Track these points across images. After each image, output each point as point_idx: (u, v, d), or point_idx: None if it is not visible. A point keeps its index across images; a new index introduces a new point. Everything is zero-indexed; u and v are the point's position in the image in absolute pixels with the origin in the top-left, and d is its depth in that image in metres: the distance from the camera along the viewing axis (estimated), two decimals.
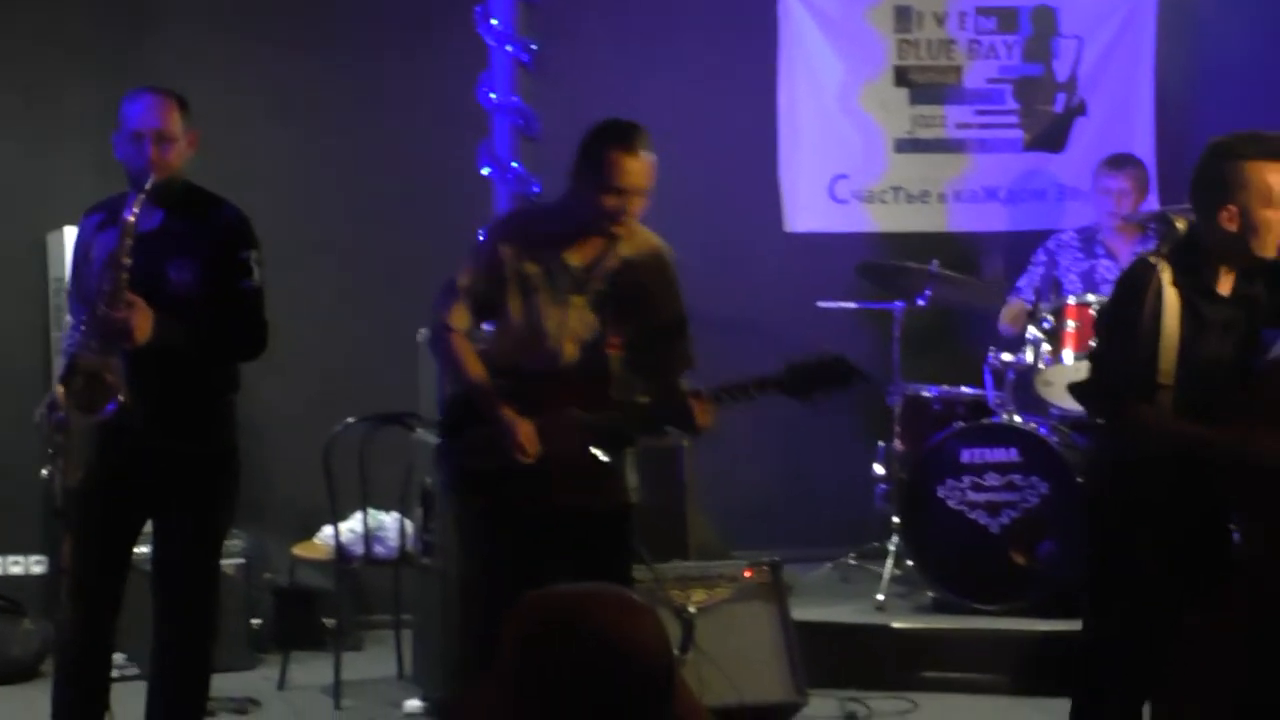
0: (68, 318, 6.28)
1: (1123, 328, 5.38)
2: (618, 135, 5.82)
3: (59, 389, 5.76)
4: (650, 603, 2.92)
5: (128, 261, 5.72)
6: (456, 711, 2.98)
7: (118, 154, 6.04)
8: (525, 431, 5.73)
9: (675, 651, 2.89)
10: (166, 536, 6.12)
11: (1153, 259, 5.35)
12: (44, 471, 5.94)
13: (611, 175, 5.74)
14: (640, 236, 5.98)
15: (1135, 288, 5.35)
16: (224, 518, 6.25)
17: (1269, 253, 5.24)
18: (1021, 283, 8.92)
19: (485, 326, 6.07)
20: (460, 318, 5.94)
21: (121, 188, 6.00)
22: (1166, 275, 5.26)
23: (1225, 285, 5.35)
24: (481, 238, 5.98)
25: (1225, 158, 5.26)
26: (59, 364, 6.18)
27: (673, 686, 2.86)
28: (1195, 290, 5.28)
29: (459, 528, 6.36)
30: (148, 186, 5.82)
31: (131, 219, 5.75)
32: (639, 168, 5.77)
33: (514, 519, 5.86)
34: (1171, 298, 5.23)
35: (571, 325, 5.87)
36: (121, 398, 5.69)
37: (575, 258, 5.88)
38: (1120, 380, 5.34)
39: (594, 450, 5.78)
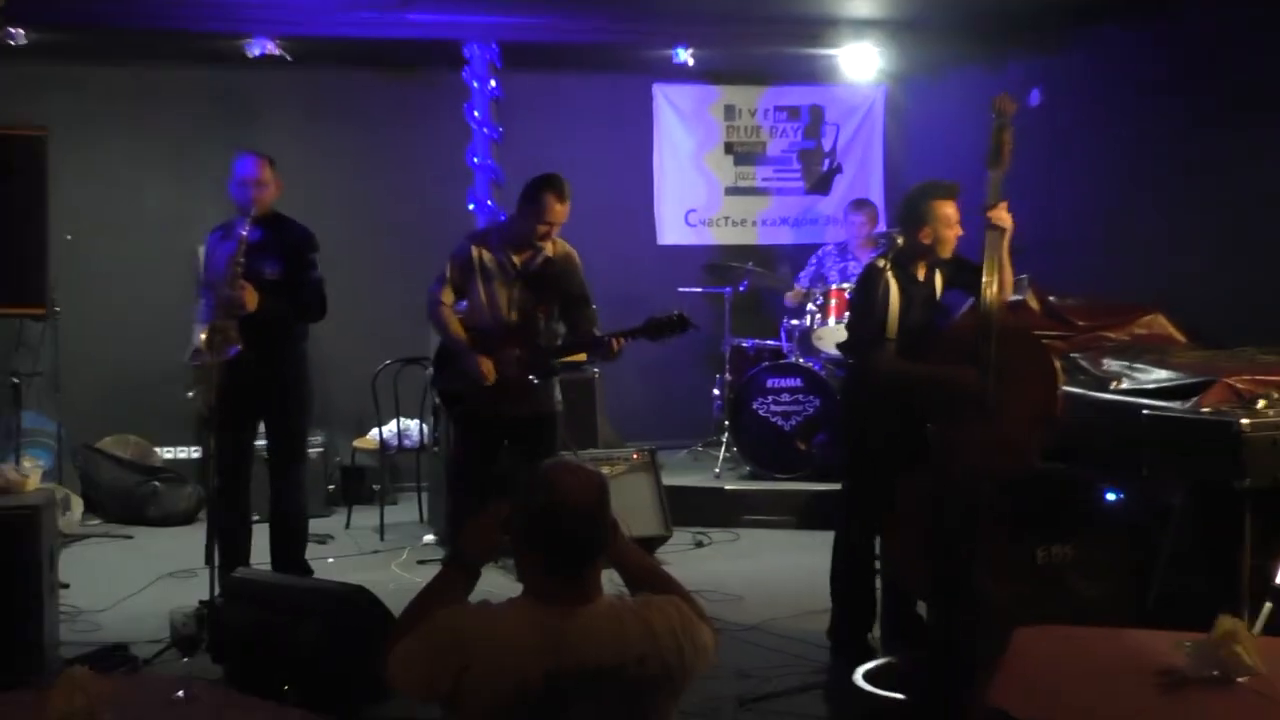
0: (200, 300, 6.26)
1: (863, 307, 5.43)
2: (554, 186, 5.76)
3: (201, 340, 5.79)
4: (600, 472, 2.93)
5: (242, 261, 5.80)
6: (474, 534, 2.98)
7: (231, 194, 6.06)
8: (485, 364, 5.74)
9: (608, 502, 2.88)
10: (272, 429, 6.18)
11: (880, 263, 5.40)
12: (189, 394, 6.09)
13: (544, 213, 5.73)
14: (559, 244, 5.90)
15: (869, 281, 5.40)
16: (305, 416, 6.29)
17: (947, 254, 5.36)
18: (801, 276, 8.89)
19: (460, 305, 6.01)
20: (447, 295, 5.88)
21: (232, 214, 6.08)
22: (889, 272, 5.32)
23: (922, 273, 5.42)
24: (460, 246, 5.96)
25: (921, 197, 5.36)
26: (195, 328, 6.08)
27: (605, 523, 2.86)
28: (906, 279, 5.35)
29: (448, 428, 6.28)
30: (252, 215, 5.89)
31: (245, 234, 5.83)
32: (562, 210, 5.75)
33: (478, 423, 5.87)
34: (892, 285, 5.31)
35: (514, 299, 5.83)
36: (240, 346, 5.74)
37: (516, 258, 5.84)
38: (864, 339, 5.39)
39: (530, 376, 5.80)
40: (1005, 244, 5.22)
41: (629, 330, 5.76)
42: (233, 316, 5.76)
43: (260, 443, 6.25)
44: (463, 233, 6.27)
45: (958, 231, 5.36)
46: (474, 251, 5.88)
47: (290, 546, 6.25)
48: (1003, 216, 5.19)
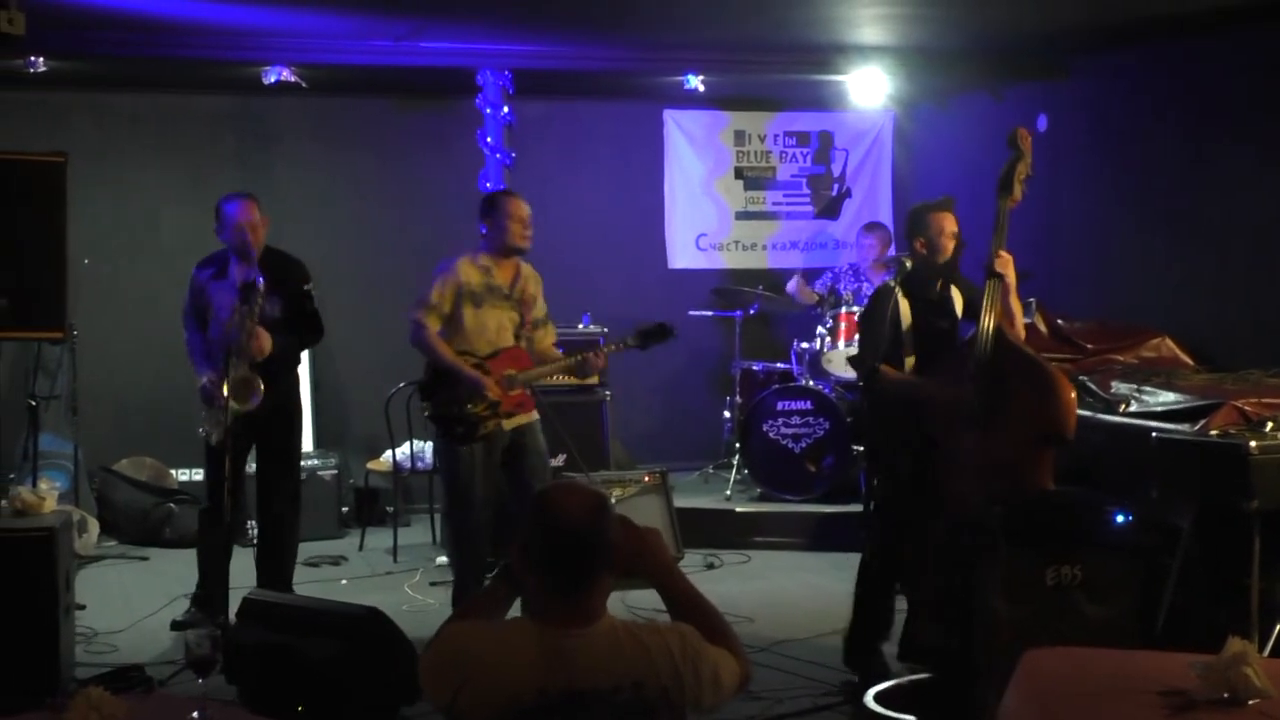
0: (186, 333, 6.27)
1: (871, 326, 5.46)
2: (505, 191, 6.07)
3: (225, 387, 5.83)
4: (600, 491, 2.87)
5: (261, 305, 5.88)
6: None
7: (221, 238, 6.08)
8: (491, 383, 5.80)
9: (607, 521, 2.77)
10: (271, 451, 6.27)
11: (890, 283, 5.44)
12: (200, 430, 6.09)
13: (512, 211, 5.85)
14: (527, 267, 6.02)
15: (876, 301, 5.47)
16: (299, 437, 6.42)
17: (945, 258, 5.38)
18: (816, 282, 8.86)
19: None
20: (432, 320, 5.85)
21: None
22: (898, 291, 5.35)
23: (935, 292, 5.40)
24: (442, 267, 5.92)
25: (915, 212, 5.48)
26: (200, 371, 6.11)
27: (603, 543, 2.76)
28: (918, 297, 5.37)
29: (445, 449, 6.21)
30: (254, 258, 5.95)
31: (259, 282, 5.85)
32: (524, 205, 5.91)
33: (481, 441, 5.84)
34: (903, 304, 5.33)
35: (503, 319, 5.92)
36: (260, 395, 5.87)
37: (500, 277, 5.91)
38: (872, 356, 5.38)
39: (526, 389, 5.93)
40: (1012, 292, 5.19)
41: (621, 339, 6.07)
42: (248, 361, 5.87)
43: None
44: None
45: (953, 238, 5.39)
46: (461, 274, 5.90)
47: (283, 561, 6.27)
48: (1005, 265, 5.14)
